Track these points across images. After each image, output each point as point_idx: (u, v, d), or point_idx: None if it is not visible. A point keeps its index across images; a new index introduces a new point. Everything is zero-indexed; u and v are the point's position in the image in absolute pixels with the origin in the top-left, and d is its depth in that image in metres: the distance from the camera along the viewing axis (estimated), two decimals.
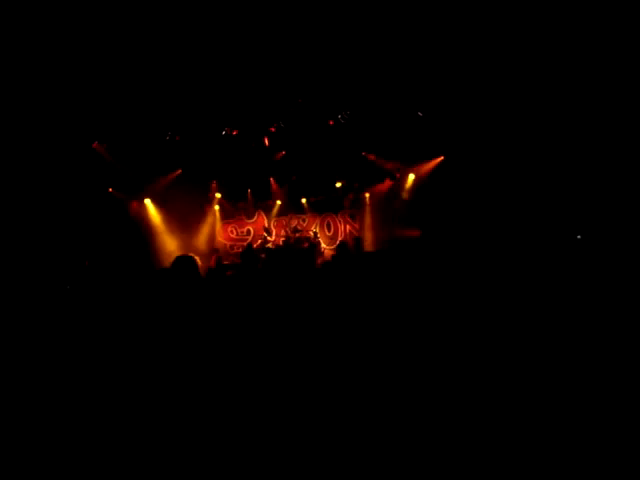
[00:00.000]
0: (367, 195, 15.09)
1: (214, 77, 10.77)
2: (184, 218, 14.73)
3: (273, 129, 13.62)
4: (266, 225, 15.72)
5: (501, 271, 3.58)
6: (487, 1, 9.20)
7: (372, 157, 14.32)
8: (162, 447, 2.27)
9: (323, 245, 15.16)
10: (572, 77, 10.24)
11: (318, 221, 15.73)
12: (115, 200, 13.49)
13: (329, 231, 15.73)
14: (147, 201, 14.34)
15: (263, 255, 13.75)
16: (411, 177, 14.36)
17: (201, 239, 15.17)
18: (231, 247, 15.94)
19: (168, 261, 11.00)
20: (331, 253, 14.52)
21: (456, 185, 12.79)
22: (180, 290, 3.25)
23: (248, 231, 16.09)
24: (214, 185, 15.40)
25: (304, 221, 15.81)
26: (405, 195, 14.50)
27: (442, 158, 13.49)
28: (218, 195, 15.50)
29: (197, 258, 4.04)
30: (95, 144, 12.51)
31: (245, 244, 15.26)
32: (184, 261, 3.80)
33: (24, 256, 8.52)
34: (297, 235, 15.15)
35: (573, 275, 3.91)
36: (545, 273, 3.81)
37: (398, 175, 14.63)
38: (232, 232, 16.14)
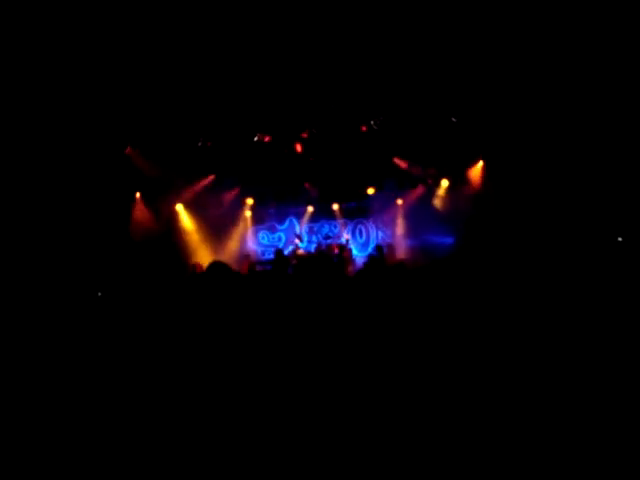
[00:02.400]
0: (400, 201, 14.94)
1: (247, 83, 10.81)
2: (215, 224, 14.77)
3: (305, 135, 13.60)
4: (297, 231, 15.68)
5: (541, 281, 3.42)
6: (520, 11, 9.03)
7: (403, 164, 14.18)
8: (172, 447, 2.22)
9: (355, 252, 15.05)
10: (609, 78, 9.96)
11: (350, 227, 15.64)
12: (147, 205, 13.61)
13: (361, 237, 15.62)
14: (179, 207, 14.44)
15: (294, 261, 13.70)
16: (444, 183, 14.18)
17: (232, 245, 15.19)
18: (262, 253, 15.93)
19: (200, 267, 11.06)
20: (363, 260, 14.40)
21: (491, 190, 12.57)
22: (213, 296, 3.22)
23: (279, 237, 16.07)
24: (245, 191, 15.42)
25: (336, 227, 15.73)
26: (438, 202, 14.33)
27: (482, 163, 13.26)
28: (250, 201, 15.51)
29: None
30: (128, 149, 12.66)
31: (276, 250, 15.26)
32: (218, 267, 3.76)
33: (55, 261, 8.64)
34: (328, 241, 15.08)
35: (616, 281, 3.73)
36: (588, 283, 3.64)
37: (430, 181, 14.46)
38: (263, 238, 16.14)
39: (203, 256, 13.58)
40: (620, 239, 9.42)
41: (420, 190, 14.67)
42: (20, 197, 9.71)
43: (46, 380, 2.87)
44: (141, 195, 13.57)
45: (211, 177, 14.38)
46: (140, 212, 13.44)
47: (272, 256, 14.89)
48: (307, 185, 15.31)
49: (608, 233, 9.64)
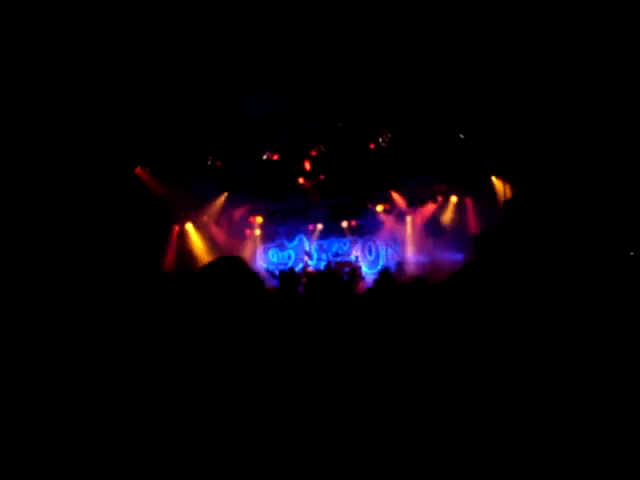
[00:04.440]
0: (409, 218, 14.91)
1: (255, 102, 10.89)
2: (225, 242, 14.79)
3: (314, 153, 13.65)
4: (307, 249, 15.66)
5: (552, 298, 3.39)
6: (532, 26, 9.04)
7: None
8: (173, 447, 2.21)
9: (364, 269, 14.99)
10: (619, 88, 9.93)
11: (359, 245, 15.60)
12: (157, 225, 13.66)
13: (370, 255, 15.58)
14: (189, 226, 14.49)
15: (304, 279, 13.67)
16: (453, 200, 14.15)
17: None
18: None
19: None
20: (373, 277, 14.34)
21: (501, 206, 12.51)
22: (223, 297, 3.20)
23: (289, 255, 16.06)
24: (255, 209, 15.45)
25: (345, 245, 15.71)
26: (447, 218, 14.29)
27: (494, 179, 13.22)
28: (259, 219, 15.55)
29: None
30: (138, 169, 12.76)
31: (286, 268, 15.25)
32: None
33: (68, 278, 8.68)
34: (338, 259, 15.06)
35: (628, 299, 3.68)
36: (602, 297, 3.60)
37: (440, 198, 14.43)
38: (273, 256, 16.13)
39: None
40: (632, 253, 9.32)
41: (429, 207, 14.64)
42: (30, 216, 9.80)
43: (45, 381, 2.87)
44: (149, 214, 13.64)
45: (224, 195, 14.38)
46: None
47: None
48: (313, 203, 15.36)
49: (621, 249, 9.55)
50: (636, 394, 2.41)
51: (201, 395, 2.31)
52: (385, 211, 15.02)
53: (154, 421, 2.37)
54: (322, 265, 14.77)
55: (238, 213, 15.13)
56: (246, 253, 15.51)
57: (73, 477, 2.23)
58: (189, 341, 2.67)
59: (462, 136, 12.38)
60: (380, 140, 12.91)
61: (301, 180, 14.28)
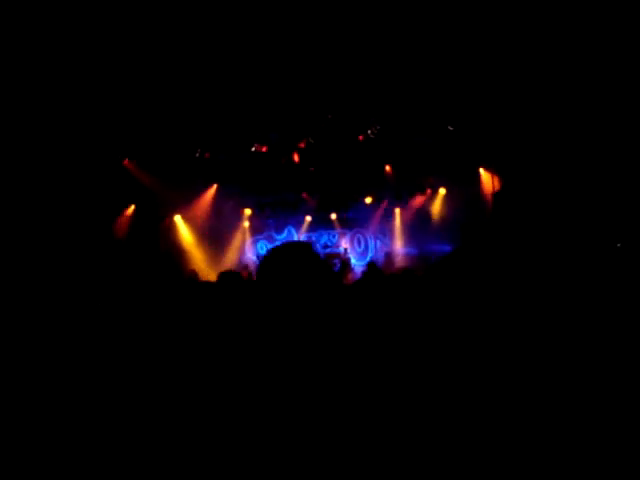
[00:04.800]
0: (397, 210, 14.96)
1: (243, 94, 10.83)
2: (213, 234, 14.76)
3: (302, 145, 13.62)
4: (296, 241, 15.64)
5: (537, 290, 3.42)
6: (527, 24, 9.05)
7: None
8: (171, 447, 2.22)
9: (353, 261, 15.04)
10: (611, 86, 9.99)
11: (348, 237, 15.63)
12: (144, 216, 13.61)
13: (359, 247, 15.62)
14: (177, 217, 14.44)
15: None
16: (442, 192, 14.20)
17: (231, 255, 15.17)
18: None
19: (196, 274, 11.07)
20: (361, 269, 14.40)
21: (489, 196, 12.58)
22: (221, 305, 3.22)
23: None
24: (243, 201, 15.42)
25: (334, 237, 15.73)
26: (435, 210, 14.35)
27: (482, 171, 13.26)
28: (248, 211, 15.52)
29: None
30: (126, 161, 12.69)
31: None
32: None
33: (50, 269, 8.64)
34: (327, 251, 15.08)
35: (618, 290, 3.73)
36: (590, 289, 3.65)
37: (429, 190, 14.48)
38: (262, 248, 16.12)
39: (201, 267, 13.57)
40: (619, 245, 9.40)
41: (418, 199, 14.70)
42: (17, 207, 9.73)
43: (44, 382, 2.87)
44: (137, 206, 13.58)
45: (213, 187, 14.35)
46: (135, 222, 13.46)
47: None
48: (305, 195, 15.33)
49: (609, 240, 9.63)
50: (620, 381, 2.44)
51: (195, 388, 2.32)
52: (373, 203, 15.06)
53: (154, 421, 2.38)
54: None
55: (227, 205, 15.08)
56: (235, 245, 15.50)
57: (73, 477, 2.23)
58: (182, 332, 2.69)
59: (451, 128, 12.40)
60: (369, 132, 12.90)
61: (289, 172, 14.29)
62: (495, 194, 12.34)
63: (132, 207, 13.37)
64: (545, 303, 3.11)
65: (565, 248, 9.02)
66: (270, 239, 16.17)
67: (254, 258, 15.70)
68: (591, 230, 10.03)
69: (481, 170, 13.31)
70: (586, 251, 8.88)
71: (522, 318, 2.85)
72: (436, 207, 14.32)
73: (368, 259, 14.69)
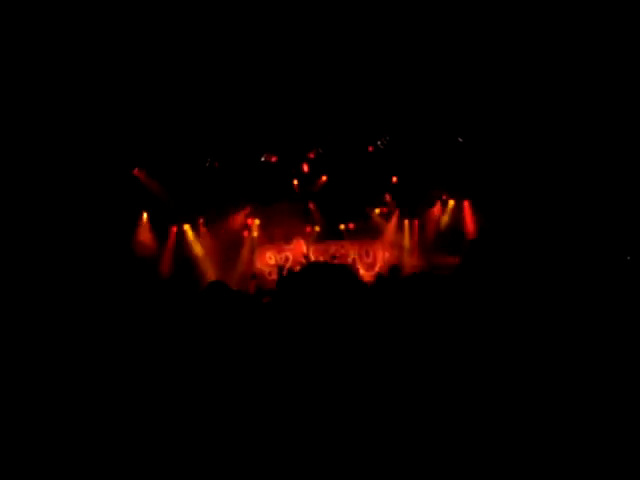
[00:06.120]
0: (406, 222, 14.93)
1: (254, 104, 10.89)
2: (222, 244, 14.77)
3: (312, 155, 13.64)
4: (304, 251, 15.62)
5: (546, 301, 3.40)
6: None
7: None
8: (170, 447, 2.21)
9: (362, 272, 14.98)
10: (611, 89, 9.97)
11: (357, 248, 15.58)
12: (154, 226, 13.65)
13: (368, 258, 15.56)
14: (186, 227, 14.48)
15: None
16: (451, 204, 14.17)
17: (239, 265, 15.16)
18: (269, 273, 15.88)
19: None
20: (370, 280, 14.33)
21: (496, 210, 12.53)
22: (213, 314, 3.22)
23: (286, 257, 16.01)
24: (253, 211, 15.43)
25: (342, 247, 15.68)
26: (445, 223, 14.32)
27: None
28: (257, 221, 15.52)
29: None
30: (135, 170, 12.75)
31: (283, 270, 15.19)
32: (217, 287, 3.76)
33: (59, 276, 8.68)
34: (335, 262, 15.02)
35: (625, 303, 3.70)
36: (594, 298, 3.62)
37: (438, 202, 14.47)
38: (270, 258, 16.08)
39: (211, 277, 13.57)
40: (629, 258, 9.33)
41: (427, 211, 14.68)
42: (28, 216, 9.79)
43: (42, 381, 2.87)
44: (148, 215, 13.62)
45: (219, 197, 14.37)
46: (147, 232, 13.49)
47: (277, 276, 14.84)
48: (313, 205, 15.32)
49: (616, 252, 9.56)
50: (618, 380, 2.42)
51: (199, 383, 2.32)
52: (382, 214, 15.04)
53: (153, 421, 2.37)
54: None
55: (236, 215, 15.10)
56: (244, 255, 15.48)
57: (73, 477, 2.22)
58: (186, 333, 2.68)
59: (461, 140, 12.39)
60: (379, 143, 12.91)
61: (299, 182, 14.32)
62: (504, 207, 12.31)
63: (145, 215, 13.43)
64: (551, 309, 3.10)
65: (569, 257, 8.98)
66: (279, 249, 16.12)
67: (264, 269, 15.66)
68: (593, 237, 9.98)
69: (490, 183, 13.25)
70: (589, 259, 8.84)
71: (530, 324, 2.84)
72: (445, 219, 14.28)
73: (376, 270, 14.63)
